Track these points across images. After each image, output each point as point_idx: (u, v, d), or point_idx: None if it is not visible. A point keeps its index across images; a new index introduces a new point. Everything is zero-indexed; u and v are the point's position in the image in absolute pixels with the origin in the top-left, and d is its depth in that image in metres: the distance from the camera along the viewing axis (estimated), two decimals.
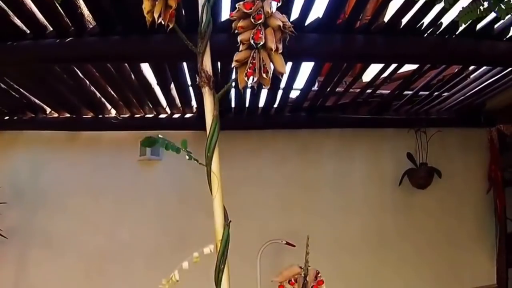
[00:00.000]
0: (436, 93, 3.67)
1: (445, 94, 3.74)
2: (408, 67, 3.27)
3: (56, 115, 3.90)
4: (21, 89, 3.45)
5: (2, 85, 3.34)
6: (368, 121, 3.96)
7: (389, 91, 3.64)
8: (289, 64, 2.93)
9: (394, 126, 4.02)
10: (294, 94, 3.63)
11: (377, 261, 3.92)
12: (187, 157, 1.21)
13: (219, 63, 2.87)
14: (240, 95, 3.49)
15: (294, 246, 3.45)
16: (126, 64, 3.01)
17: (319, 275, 1.15)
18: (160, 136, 1.21)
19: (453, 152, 4.10)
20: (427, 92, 3.67)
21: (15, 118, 3.95)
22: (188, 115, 3.80)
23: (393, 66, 3.07)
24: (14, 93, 3.48)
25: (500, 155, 4.15)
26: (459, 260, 4.05)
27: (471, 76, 3.55)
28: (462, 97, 3.78)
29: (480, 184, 4.11)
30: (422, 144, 3.86)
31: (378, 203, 3.99)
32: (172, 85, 3.35)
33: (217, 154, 1.17)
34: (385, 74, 3.23)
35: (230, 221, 1.15)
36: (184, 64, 2.96)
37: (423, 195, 3.97)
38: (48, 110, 3.87)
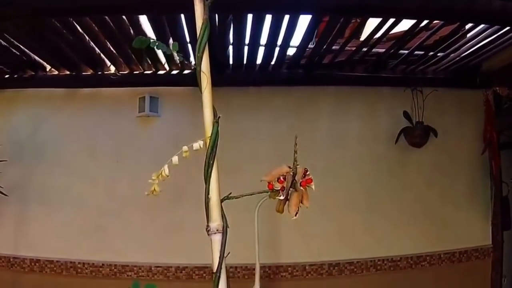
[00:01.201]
0: (431, 53, 3.69)
1: (440, 54, 3.75)
2: (402, 27, 3.28)
3: (56, 72, 3.93)
4: (21, 46, 3.47)
5: (3, 42, 3.36)
6: (365, 79, 3.98)
7: (384, 50, 3.66)
8: (286, 17, 2.95)
9: (391, 84, 4.04)
10: (291, 51, 3.65)
11: (371, 218, 3.97)
12: (178, 58, 1.24)
13: (216, 16, 2.89)
14: (238, 51, 3.52)
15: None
16: (125, 19, 3.02)
17: (308, 173, 1.18)
18: (151, 39, 1.23)
19: (449, 112, 4.12)
20: (422, 52, 3.69)
21: (15, 76, 3.98)
22: (186, 71, 3.82)
23: (389, 23, 3.08)
24: (14, 50, 3.51)
25: (495, 117, 4.18)
26: (453, 220, 4.10)
27: (468, 35, 3.56)
28: (457, 58, 3.79)
29: (476, 145, 4.14)
30: (418, 103, 3.89)
31: (373, 161, 4.03)
32: (171, 41, 3.36)
33: (206, 54, 1.20)
34: (381, 32, 3.25)
35: (219, 117, 1.18)
36: (183, 19, 2.97)
37: (419, 154, 4.01)
38: (48, 67, 3.90)
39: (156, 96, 3.86)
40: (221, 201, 1.16)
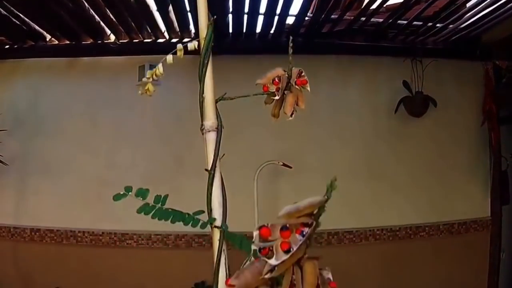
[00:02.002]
0: (430, 23, 3.69)
1: (439, 25, 3.75)
2: None
3: (56, 42, 3.94)
4: (21, 15, 3.48)
5: (3, 11, 3.37)
6: (365, 48, 3.97)
7: (382, 20, 3.66)
8: None
9: (390, 54, 4.02)
10: (290, 20, 3.65)
11: (371, 189, 3.98)
12: None
13: None
14: (238, 19, 3.52)
15: (290, 167, 3.51)
16: None
17: (303, 74, 1.17)
18: None
19: (449, 83, 4.11)
20: (421, 23, 3.69)
21: (15, 46, 3.98)
22: (186, 40, 3.82)
23: None
24: (14, 20, 3.51)
25: (495, 90, 4.18)
26: (453, 191, 4.11)
27: (467, 5, 3.56)
28: (457, 29, 3.80)
29: (475, 116, 4.14)
30: (418, 73, 3.88)
31: (373, 131, 4.03)
32: (171, 8, 3.36)
33: None
34: (379, 1, 3.25)
35: (215, 17, 1.19)
36: None
37: (418, 123, 4.01)
38: (48, 37, 3.90)
39: (156, 65, 3.85)
40: (216, 101, 1.17)
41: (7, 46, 3.98)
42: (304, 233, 0.65)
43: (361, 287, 3.73)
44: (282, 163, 3.50)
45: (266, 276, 0.65)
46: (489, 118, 4.11)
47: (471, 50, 4.03)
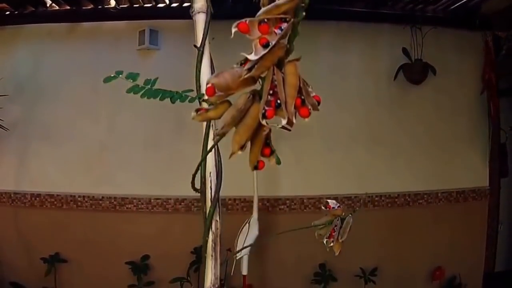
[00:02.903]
0: None
1: None
2: None
3: (56, 7, 3.94)
4: None
5: None
6: (364, 15, 3.97)
7: None
8: None
9: (390, 21, 4.02)
10: None
11: (370, 156, 3.98)
12: None
13: None
14: None
15: (289, 130, 3.50)
16: None
17: None
18: None
19: (448, 51, 4.11)
20: None
21: (15, 12, 3.99)
22: (186, 4, 3.83)
23: None
24: None
25: (494, 60, 4.17)
26: (451, 159, 4.12)
27: None
28: None
29: (475, 85, 4.14)
30: (417, 41, 3.89)
31: (372, 98, 4.03)
32: None
33: None
34: None
35: None
36: None
37: (418, 90, 4.02)
38: (49, 2, 3.91)
39: (156, 29, 3.87)
40: None
41: (7, 12, 3.99)
42: (283, 27, 0.66)
43: (358, 254, 3.71)
44: (281, 126, 3.49)
45: (246, 76, 0.66)
46: (488, 88, 4.11)
47: (470, 19, 4.03)
